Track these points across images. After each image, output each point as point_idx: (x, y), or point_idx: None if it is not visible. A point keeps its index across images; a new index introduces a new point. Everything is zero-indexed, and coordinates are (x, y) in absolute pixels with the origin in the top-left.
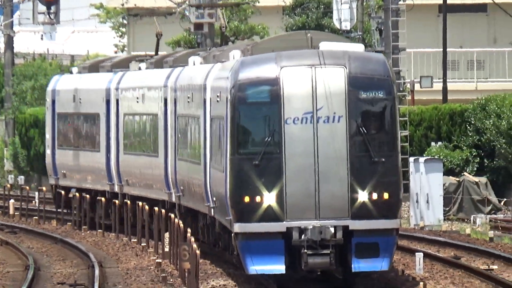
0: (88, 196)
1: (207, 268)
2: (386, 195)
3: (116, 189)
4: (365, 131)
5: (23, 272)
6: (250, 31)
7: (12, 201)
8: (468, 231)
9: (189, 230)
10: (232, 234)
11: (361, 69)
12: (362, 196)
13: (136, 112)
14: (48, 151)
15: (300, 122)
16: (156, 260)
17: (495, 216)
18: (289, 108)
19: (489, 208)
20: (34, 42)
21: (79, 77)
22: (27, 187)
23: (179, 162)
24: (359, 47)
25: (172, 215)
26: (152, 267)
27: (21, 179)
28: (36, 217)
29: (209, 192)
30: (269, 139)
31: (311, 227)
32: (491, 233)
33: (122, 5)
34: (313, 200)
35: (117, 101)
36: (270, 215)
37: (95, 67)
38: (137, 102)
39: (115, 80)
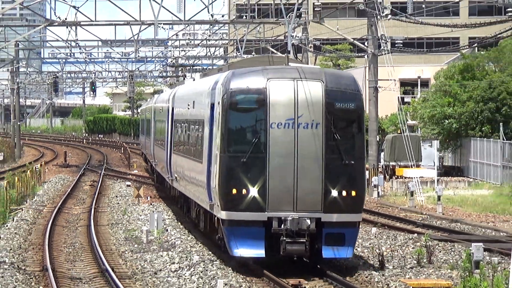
0: None
1: (133, 156)
2: (353, 193)
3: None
4: (339, 137)
5: (86, 157)
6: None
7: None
8: None
9: (128, 147)
10: (218, 219)
11: (335, 84)
12: (333, 192)
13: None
14: None
15: (283, 127)
16: (120, 155)
17: None
18: (274, 115)
19: None
20: None
21: None
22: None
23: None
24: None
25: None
26: (121, 156)
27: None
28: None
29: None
30: (255, 140)
31: (290, 218)
32: None
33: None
34: (291, 195)
35: None
36: (253, 206)
37: None
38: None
39: None
